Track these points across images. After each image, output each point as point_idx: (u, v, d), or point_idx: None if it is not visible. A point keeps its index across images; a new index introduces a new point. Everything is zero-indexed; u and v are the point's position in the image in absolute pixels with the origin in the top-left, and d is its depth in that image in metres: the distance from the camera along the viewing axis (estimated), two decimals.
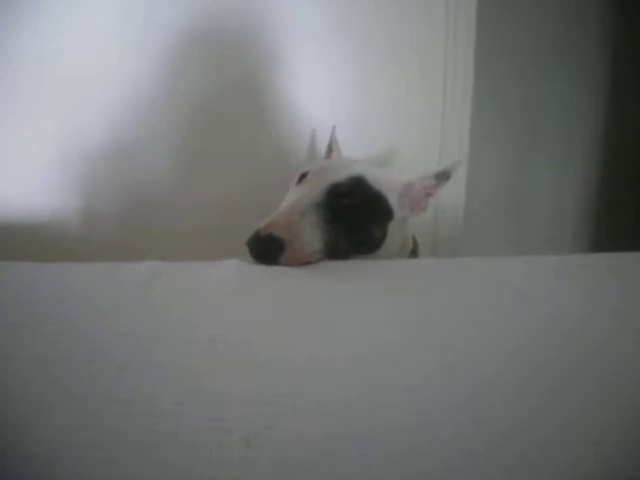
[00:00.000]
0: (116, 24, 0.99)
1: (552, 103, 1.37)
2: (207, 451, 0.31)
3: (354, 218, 0.70)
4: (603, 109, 1.43)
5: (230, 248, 0.64)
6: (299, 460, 0.31)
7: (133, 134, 1.04)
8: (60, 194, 1.03)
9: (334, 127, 1.04)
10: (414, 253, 0.85)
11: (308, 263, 0.64)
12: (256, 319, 0.47)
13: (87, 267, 0.57)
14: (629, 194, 1.49)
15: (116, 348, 0.40)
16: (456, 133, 1.19)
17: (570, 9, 1.33)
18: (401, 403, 0.36)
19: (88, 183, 1.04)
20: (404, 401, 0.36)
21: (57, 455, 0.30)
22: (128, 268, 0.57)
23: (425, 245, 1.04)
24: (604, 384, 0.39)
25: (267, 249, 0.62)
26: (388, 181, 0.76)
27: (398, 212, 0.76)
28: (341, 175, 0.71)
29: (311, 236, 0.65)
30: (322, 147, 1.08)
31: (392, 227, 0.75)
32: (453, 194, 1.20)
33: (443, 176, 0.78)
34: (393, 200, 0.75)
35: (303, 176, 0.75)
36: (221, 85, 1.06)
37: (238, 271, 0.59)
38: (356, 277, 0.60)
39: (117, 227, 1.06)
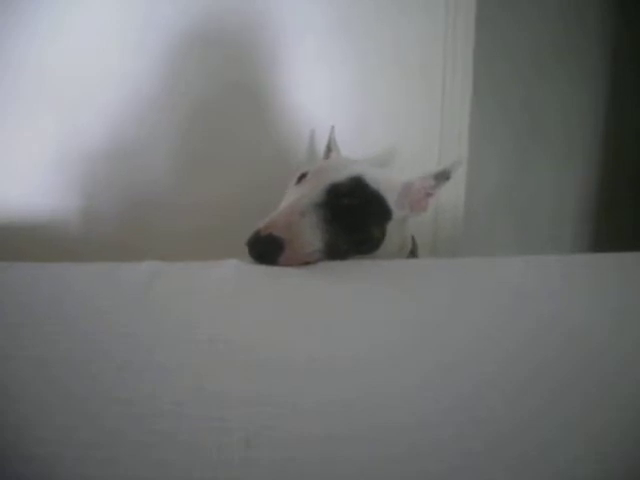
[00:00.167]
0: (116, 24, 0.99)
1: (552, 103, 1.37)
2: (207, 451, 0.31)
3: (354, 218, 0.70)
4: (603, 109, 1.43)
5: (230, 248, 0.64)
6: (299, 460, 0.31)
7: (133, 134, 1.04)
8: (60, 194, 1.03)
9: (333, 127, 1.04)
10: (413, 253, 0.85)
11: (307, 263, 0.64)
12: (256, 319, 0.47)
13: (87, 267, 0.57)
14: (629, 194, 1.49)
15: (116, 348, 0.40)
16: (455, 133, 1.19)
17: (570, 9, 1.33)
18: (401, 403, 0.36)
19: (88, 183, 1.04)
20: (404, 401, 0.36)
21: (57, 455, 0.30)
22: (128, 268, 0.57)
23: (425, 245, 1.04)
24: (604, 384, 0.39)
25: (267, 249, 0.62)
26: (387, 181, 0.76)
27: (397, 212, 0.75)
28: (341, 175, 0.71)
29: (311, 236, 0.65)
30: (321, 147, 1.08)
31: (391, 227, 0.75)
32: (453, 194, 1.20)
33: (443, 176, 0.78)
34: (392, 200, 0.75)
35: (302, 176, 0.75)
36: (221, 85, 1.06)
37: (238, 271, 0.59)
38: (356, 277, 0.60)
39: (117, 227, 1.06)
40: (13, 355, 0.39)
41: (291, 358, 0.40)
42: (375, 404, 0.36)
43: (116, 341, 0.41)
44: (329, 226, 0.67)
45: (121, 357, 0.39)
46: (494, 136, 1.32)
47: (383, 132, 1.16)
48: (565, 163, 1.43)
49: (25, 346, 0.40)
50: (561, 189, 1.45)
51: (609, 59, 1.40)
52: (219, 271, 0.58)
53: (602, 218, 1.49)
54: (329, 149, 1.02)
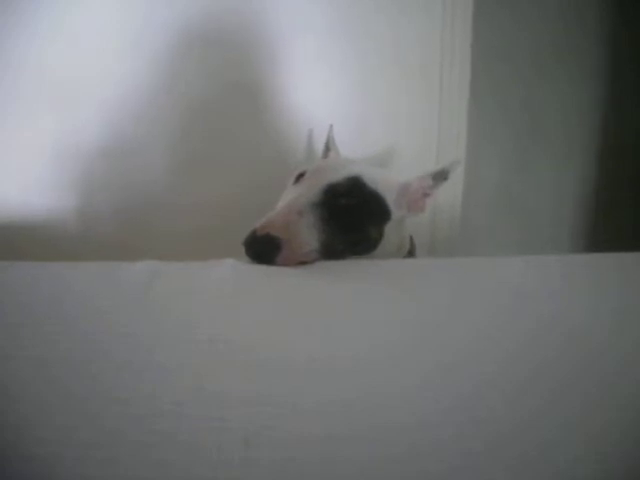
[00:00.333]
0: (116, 24, 0.99)
1: (552, 103, 1.37)
2: (207, 451, 0.31)
3: (351, 218, 0.70)
4: (603, 109, 1.42)
5: (230, 248, 0.64)
6: (299, 460, 0.31)
7: (133, 134, 1.04)
8: (59, 193, 1.03)
9: (331, 126, 1.04)
10: (411, 254, 0.85)
11: (304, 263, 0.64)
12: (256, 319, 0.47)
13: (87, 267, 0.57)
14: (629, 194, 1.49)
15: (116, 348, 0.40)
16: (454, 133, 1.19)
17: (570, 9, 1.33)
18: (401, 403, 0.36)
19: (87, 183, 1.04)
20: (404, 401, 0.36)
21: (57, 455, 0.30)
22: (128, 268, 0.57)
23: (423, 246, 1.04)
24: (604, 384, 0.39)
25: (264, 249, 0.62)
26: (385, 181, 0.76)
27: (395, 212, 0.75)
28: (339, 175, 0.71)
29: (308, 236, 0.65)
30: (320, 146, 1.08)
31: (389, 228, 0.75)
32: (450, 194, 1.20)
33: (440, 176, 0.78)
34: (391, 200, 0.75)
35: (300, 176, 0.75)
36: (220, 85, 1.06)
37: (238, 271, 0.59)
38: (356, 277, 0.60)
39: (116, 227, 1.06)
40: (13, 355, 0.39)
41: (291, 358, 0.40)
42: (375, 404, 0.36)
43: (116, 341, 0.41)
44: (326, 226, 0.66)
45: (121, 357, 0.39)
46: (494, 136, 1.32)
47: (382, 132, 1.16)
48: (565, 163, 1.43)
49: (25, 346, 0.40)
50: (561, 189, 1.45)
51: (609, 59, 1.40)
52: (219, 271, 0.57)
53: (602, 218, 1.49)
54: (327, 148, 1.02)
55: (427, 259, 0.96)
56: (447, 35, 1.14)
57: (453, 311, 0.51)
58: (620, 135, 1.44)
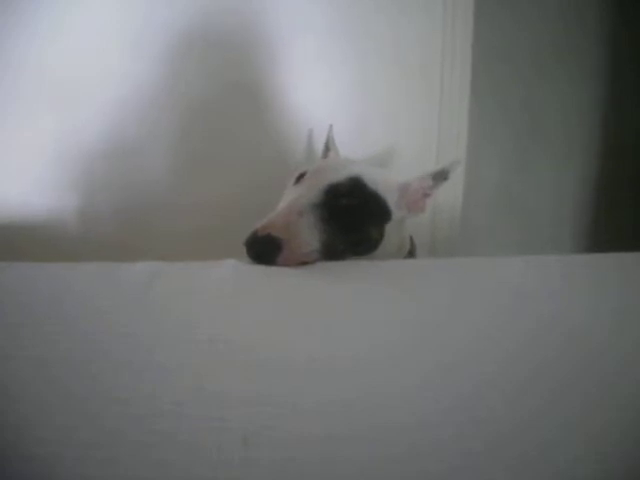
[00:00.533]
0: (116, 24, 0.99)
1: (552, 103, 1.37)
2: (207, 451, 0.31)
3: (352, 218, 0.70)
4: (603, 109, 1.42)
5: (230, 248, 0.64)
6: (299, 460, 0.31)
7: (133, 134, 1.04)
8: (59, 194, 1.03)
9: (331, 126, 1.04)
10: (411, 254, 0.85)
11: (305, 263, 0.64)
12: (256, 319, 0.47)
13: (87, 267, 0.57)
14: (629, 194, 1.49)
15: (116, 348, 0.40)
16: (454, 133, 1.19)
17: (570, 9, 1.33)
18: (401, 403, 0.36)
19: (88, 183, 1.04)
20: (404, 401, 0.36)
21: (57, 455, 0.30)
22: (128, 268, 0.57)
23: (423, 246, 1.04)
24: (604, 384, 0.39)
25: (265, 249, 0.62)
26: (386, 181, 0.76)
27: (396, 213, 0.75)
28: (339, 175, 0.71)
29: (309, 236, 0.65)
30: (320, 147, 1.08)
31: (389, 228, 0.75)
32: (451, 194, 1.20)
33: (440, 176, 0.77)
34: (391, 201, 0.75)
35: (301, 176, 0.75)
36: (221, 85, 1.06)
37: (238, 271, 0.59)
38: (356, 277, 0.60)
39: (116, 227, 1.06)
40: (13, 355, 0.39)
41: (291, 358, 0.40)
42: (375, 404, 0.36)
43: (116, 341, 0.41)
44: (327, 226, 0.66)
45: (121, 357, 0.39)
46: (494, 136, 1.32)
47: (382, 132, 1.16)
48: (565, 163, 1.43)
49: (25, 346, 0.40)
50: (561, 189, 1.45)
51: (609, 59, 1.40)
52: (219, 271, 0.57)
53: (602, 218, 1.49)
54: (327, 148, 1.02)
55: (427, 259, 0.97)
56: (448, 35, 1.14)
57: (453, 311, 0.51)
58: (620, 135, 1.44)
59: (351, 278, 0.60)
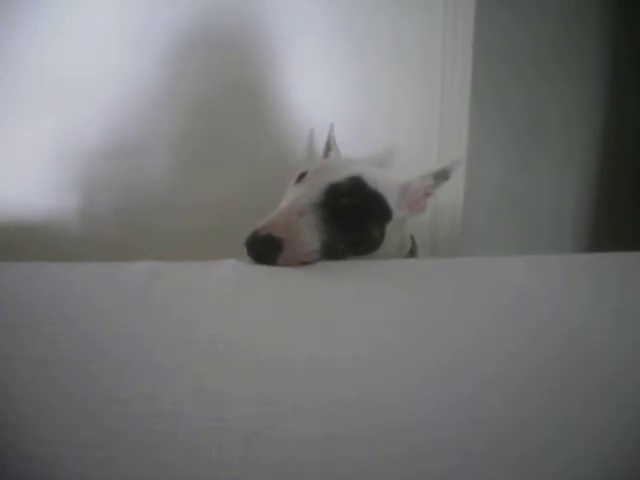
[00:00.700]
0: (116, 24, 0.99)
1: (552, 103, 1.37)
2: (207, 451, 0.31)
3: (353, 218, 0.70)
4: (603, 109, 1.42)
5: (230, 248, 0.64)
6: (299, 460, 0.31)
7: (133, 134, 1.04)
8: (60, 194, 1.03)
9: (332, 125, 1.04)
10: (412, 253, 0.84)
11: (305, 263, 0.64)
12: (256, 319, 0.47)
13: (87, 267, 0.57)
14: (629, 194, 1.49)
15: (116, 348, 0.40)
16: (455, 133, 1.19)
17: (570, 9, 1.33)
18: (401, 403, 0.36)
19: (88, 183, 1.04)
20: (404, 401, 0.36)
21: (57, 455, 0.30)
22: (128, 268, 0.57)
23: (424, 246, 1.04)
24: (604, 384, 0.39)
25: (265, 249, 0.62)
26: (386, 181, 0.75)
27: (397, 212, 0.75)
28: (340, 175, 0.71)
29: (309, 236, 0.65)
30: (321, 146, 1.08)
31: (390, 227, 0.75)
32: (452, 194, 1.20)
33: (442, 176, 0.77)
34: (392, 200, 0.74)
35: (302, 175, 0.75)
36: (221, 85, 1.06)
37: (238, 271, 0.59)
38: (356, 277, 0.60)
39: (116, 227, 1.06)
40: (13, 355, 0.39)
41: (291, 358, 0.40)
42: (375, 404, 0.36)
43: (116, 341, 0.41)
44: (328, 226, 0.66)
45: (121, 357, 0.39)
46: (495, 136, 1.32)
47: (383, 132, 1.16)
48: (565, 163, 1.43)
49: (25, 346, 0.40)
50: (561, 189, 1.45)
51: (609, 59, 1.40)
52: (219, 271, 0.57)
53: (602, 218, 1.49)
54: (328, 148, 1.02)
55: (428, 259, 0.96)
56: (449, 35, 1.14)
57: (454, 311, 0.51)
58: (620, 135, 1.44)
59: (352, 278, 0.60)
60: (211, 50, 1.04)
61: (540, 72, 1.33)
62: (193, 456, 0.30)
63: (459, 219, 1.24)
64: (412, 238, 0.86)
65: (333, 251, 0.67)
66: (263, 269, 0.60)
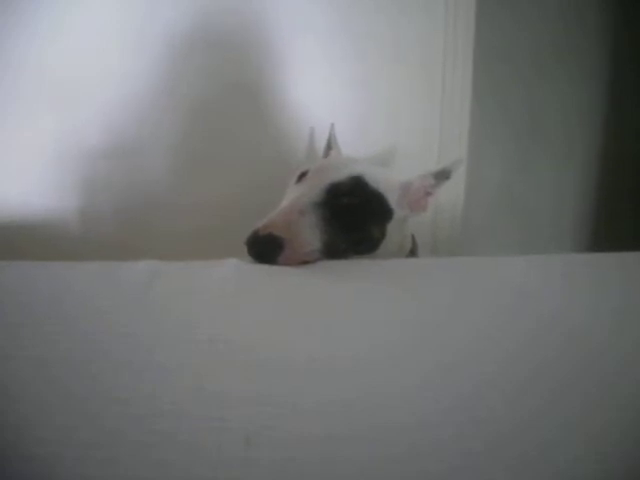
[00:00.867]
0: (116, 24, 0.99)
1: (552, 103, 1.37)
2: (207, 451, 0.31)
3: (354, 217, 0.70)
4: (603, 109, 1.42)
5: (230, 248, 0.64)
6: (299, 460, 0.31)
7: (133, 134, 1.04)
8: (60, 193, 1.03)
9: (332, 124, 1.04)
10: (413, 253, 0.84)
11: (306, 263, 0.64)
12: (256, 319, 0.47)
13: (87, 267, 0.57)
14: (629, 194, 1.49)
15: (116, 348, 0.40)
16: (455, 132, 1.19)
17: (570, 9, 1.33)
18: (401, 403, 0.36)
19: (88, 183, 1.04)
20: (404, 401, 0.36)
21: (57, 455, 0.30)
22: (128, 268, 0.57)
23: (425, 245, 1.04)
24: (604, 384, 0.39)
25: (266, 248, 0.62)
26: (387, 180, 0.75)
27: (397, 212, 0.75)
28: (341, 174, 0.71)
29: (310, 235, 0.65)
30: (321, 145, 1.08)
31: (391, 227, 0.75)
32: (452, 194, 1.20)
33: (443, 175, 0.77)
34: (393, 200, 0.75)
35: (303, 175, 0.75)
36: (221, 85, 1.06)
37: (238, 271, 0.59)
38: (356, 277, 0.60)
39: (116, 227, 1.06)
40: (13, 355, 0.39)
41: (291, 358, 0.40)
42: (375, 404, 0.36)
43: (116, 341, 0.41)
44: (329, 225, 0.66)
45: (121, 357, 0.39)
46: (495, 136, 1.32)
47: (383, 131, 1.16)
48: (565, 163, 1.43)
49: (25, 346, 0.40)
50: (561, 189, 1.45)
51: (609, 59, 1.40)
52: (219, 271, 0.57)
53: (602, 218, 1.49)
54: (329, 147, 1.02)
55: (429, 258, 0.96)
56: (449, 35, 1.14)
57: (454, 311, 0.51)
58: (620, 135, 1.44)
59: (352, 277, 0.60)
60: (211, 50, 1.04)
61: (540, 72, 1.33)
62: (193, 456, 0.30)
63: (459, 219, 1.24)
64: (413, 238, 0.86)
65: (334, 250, 0.67)
66: (264, 269, 0.60)
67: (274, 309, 0.49)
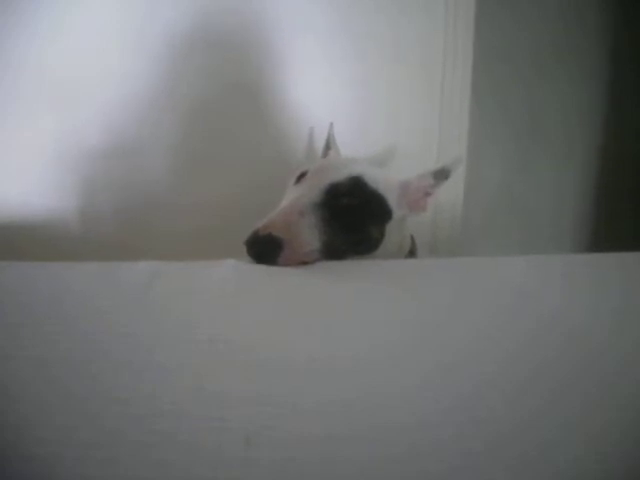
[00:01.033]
0: (116, 24, 0.99)
1: (552, 103, 1.37)
2: (207, 451, 0.31)
3: (353, 218, 0.70)
4: (603, 109, 1.42)
5: (230, 248, 0.64)
6: (299, 460, 0.31)
7: (133, 134, 1.04)
8: (60, 193, 1.03)
9: (331, 124, 1.04)
10: (412, 253, 0.84)
11: (306, 263, 0.64)
12: (256, 319, 0.47)
13: (87, 267, 0.57)
14: (629, 194, 1.49)
15: (116, 348, 0.40)
16: (455, 132, 1.19)
17: (570, 9, 1.33)
18: (401, 403, 0.36)
19: (88, 183, 1.04)
20: (404, 401, 0.36)
21: (57, 455, 0.30)
22: (128, 268, 0.57)
23: (424, 245, 1.04)
24: (604, 384, 0.39)
25: (265, 249, 0.62)
26: (386, 180, 0.75)
27: (397, 212, 0.75)
28: (340, 175, 0.71)
29: (309, 236, 0.65)
30: (321, 145, 1.08)
31: (390, 227, 0.75)
32: (452, 194, 1.20)
33: (442, 175, 0.77)
34: (392, 200, 0.74)
35: (302, 175, 0.75)
36: (221, 85, 1.06)
37: (238, 271, 0.59)
38: (356, 277, 0.60)
39: (116, 227, 1.06)
40: (13, 355, 0.39)
41: (291, 358, 0.40)
42: (375, 404, 0.36)
43: (116, 341, 0.41)
44: (328, 226, 0.66)
45: (121, 357, 0.39)
46: (495, 136, 1.32)
47: (383, 131, 1.16)
48: (565, 163, 1.43)
49: (25, 346, 0.40)
50: (561, 189, 1.45)
51: (609, 59, 1.40)
52: (219, 271, 0.57)
53: (602, 218, 1.49)
54: (328, 147, 1.02)
55: (428, 259, 0.96)
56: (449, 35, 1.14)
57: (454, 311, 0.51)
58: (620, 135, 1.44)
59: (352, 278, 0.60)
60: (211, 50, 1.04)
61: (540, 72, 1.33)
62: (193, 456, 0.30)
63: (459, 219, 1.24)
64: (412, 238, 0.86)
65: (333, 251, 0.67)
66: (263, 269, 0.60)
67: (274, 309, 0.49)
